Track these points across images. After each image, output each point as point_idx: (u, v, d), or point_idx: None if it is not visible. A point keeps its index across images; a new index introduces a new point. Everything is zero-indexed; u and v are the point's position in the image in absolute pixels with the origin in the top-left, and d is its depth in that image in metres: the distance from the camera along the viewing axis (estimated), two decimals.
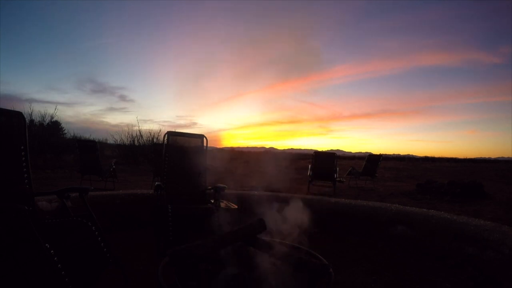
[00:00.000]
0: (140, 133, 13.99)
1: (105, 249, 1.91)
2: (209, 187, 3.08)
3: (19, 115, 2.06)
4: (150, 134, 14.02)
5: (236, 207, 3.09)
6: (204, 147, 3.31)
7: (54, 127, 14.00)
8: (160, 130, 13.96)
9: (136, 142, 13.97)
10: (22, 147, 2.05)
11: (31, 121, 12.28)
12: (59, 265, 1.51)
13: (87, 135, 13.94)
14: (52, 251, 1.51)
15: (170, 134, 3.16)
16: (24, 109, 12.12)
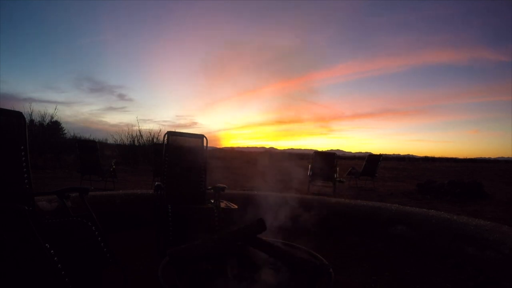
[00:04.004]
0: (140, 133, 14.01)
1: (105, 249, 1.91)
2: (209, 187, 3.08)
3: (19, 115, 2.06)
4: (150, 134, 14.05)
5: (236, 207, 3.09)
6: (204, 147, 3.31)
7: (54, 127, 14.00)
8: (160, 130, 13.99)
9: (136, 142, 13.97)
10: (22, 147, 2.05)
11: (31, 121, 12.27)
12: (59, 265, 1.51)
13: (86, 135, 13.97)
14: (52, 251, 1.51)
15: (170, 134, 3.16)
16: (24, 108, 12.14)
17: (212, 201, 2.92)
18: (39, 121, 12.76)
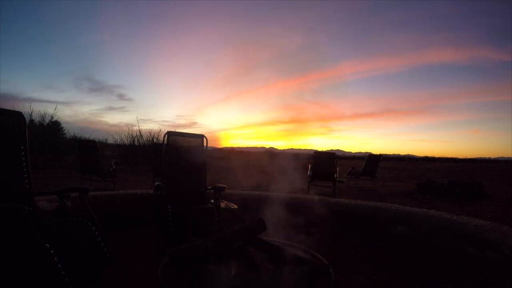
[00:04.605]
0: (140, 133, 14.02)
1: (105, 249, 1.91)
2: (209, 187, 3.08)
3: (19, 115, 2.06)
4: (150, 134, 14.06)
5: (236, 207, 3.09)
6: (204, 147, 3.31)
7: (54, 127, 14.00)
8: (160, 130, 14.01)
9: (136, 142, 13.98)
10: (22, 147, 2.05)
11: (31, 121, 12.27)
12: (59, 265, 1.51)
13: (86, 135, 13.98)
14: (52, 251, 1.51)
15: (170, 134, 3.16)
16: (24, 108, 12.13)
17: (212, 201, 2.92)
18: (39, 121, 12.78)
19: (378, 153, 8.88)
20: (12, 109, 2.06)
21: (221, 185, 2.90)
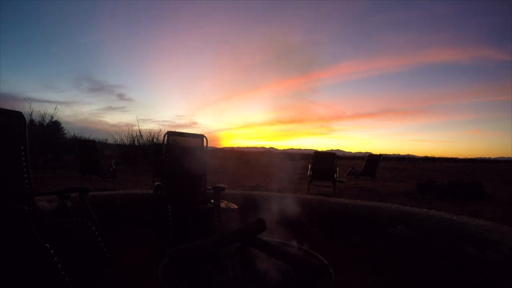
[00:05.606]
0: (140, 133, 14.02)
1: (105, 249, 1.91)
2: (209, 187, 3.08)
3: (19, 115, 2.06)
4: (150, 134, 14.06)
5: (236, 207, 3.09)
6: (204, 147, 3.31)
7: (54, 127, 14.00)
8: (160, 130, 14.00)
9: (136, 142, 13.98)
10: (22, 147, 2.05)
11: (31, 121, 12.27)
12: (59, 265, 1.51)
13: (86, 135, 13.99)
14: (52, 251, 1.51)
15: (170, 134, 3.16)
16: (24, 108, 12.12)
17: (212, 201, 2.92)
18: (39, 121, 12.78)
19: (378, 153, 8.89)
20: (12, 109, 2.06)
21: (221, 185, 2.90)
